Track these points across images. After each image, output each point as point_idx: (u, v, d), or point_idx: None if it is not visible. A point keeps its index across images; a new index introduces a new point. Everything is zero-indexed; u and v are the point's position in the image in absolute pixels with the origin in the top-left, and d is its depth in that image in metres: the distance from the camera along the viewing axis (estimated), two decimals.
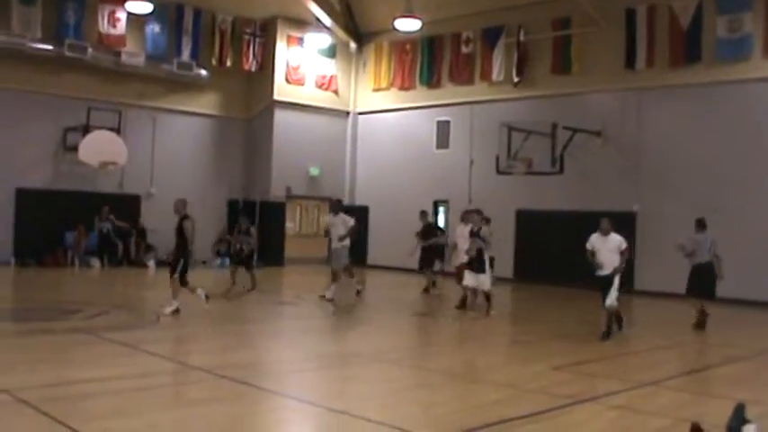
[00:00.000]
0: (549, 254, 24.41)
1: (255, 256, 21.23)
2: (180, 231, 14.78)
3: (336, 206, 19.31)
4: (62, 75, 25.08)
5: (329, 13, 29.05)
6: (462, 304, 17.26)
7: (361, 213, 28.05)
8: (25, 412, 7.30)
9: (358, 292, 19.36)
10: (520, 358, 11.77)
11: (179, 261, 14.74)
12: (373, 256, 29.61)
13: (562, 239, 24.00)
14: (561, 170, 22.86)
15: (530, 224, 25.56)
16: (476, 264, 16.41)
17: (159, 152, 27.74)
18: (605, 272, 13.88)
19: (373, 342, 13.32)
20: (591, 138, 23.84)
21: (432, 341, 14.39)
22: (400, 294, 21.18)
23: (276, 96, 29.40)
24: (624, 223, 22.41)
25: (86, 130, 24.73)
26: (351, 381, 9.97)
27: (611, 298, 13.74)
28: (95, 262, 24.94)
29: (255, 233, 20.54)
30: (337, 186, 30.86)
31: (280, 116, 29.52)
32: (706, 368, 11.31)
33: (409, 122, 29.53)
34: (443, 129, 28.56)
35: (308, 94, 30.21)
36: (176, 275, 14.63)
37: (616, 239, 13.92)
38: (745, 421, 7.20)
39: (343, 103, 31.36)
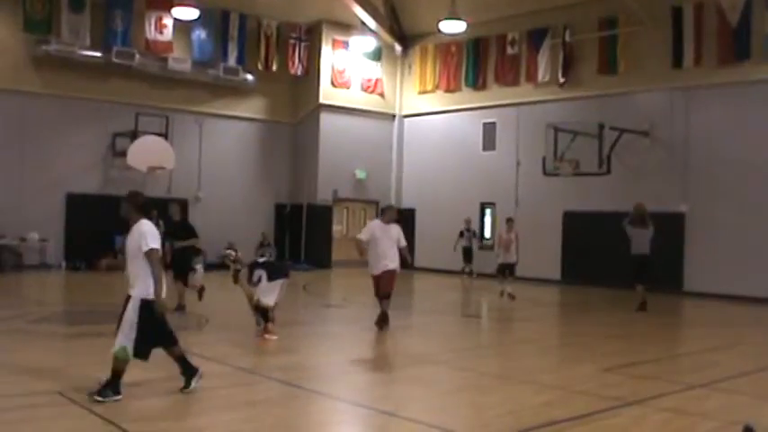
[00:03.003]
0: (597, 255, 24.19)
1: None
2: None
3: None
4: (110, 81, 25.49)
5: (374, 17, 29.13)
6: (382, 320, 13.96)
7: (407, 216, 28.11)
8: (76, 413, 7.42)
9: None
10: (569, 360, 11.67)
11: None
12: (420, 258, 29.58)
13: (610, 241, 23.82)
14: (608, 171, 22.65)
15: (577, 225, 25.36)
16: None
17: (206, 157, 28.00)
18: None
19: (421, 344, 13.29)
20: (638, 138, 23.61)
21: (480, 343, 14.34)
22: (448, 296, 21.13)
23: (322, 100, 29.54)
24: (672, 224, 22.24)
25: (134, 135, 25.01)
26: (399, 383, 9.96)
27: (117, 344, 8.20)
28: None
29: None
30: (384, 189, 30.93)
31: (326, 120, 29.65)
32: (760, 370, 11.09)
33: (455, 125, 29.47)
34: (489, 130, 28.45)
35: (353, 97, 30.32)
36: None
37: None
38: None
39: (389, 106, 31.39)
